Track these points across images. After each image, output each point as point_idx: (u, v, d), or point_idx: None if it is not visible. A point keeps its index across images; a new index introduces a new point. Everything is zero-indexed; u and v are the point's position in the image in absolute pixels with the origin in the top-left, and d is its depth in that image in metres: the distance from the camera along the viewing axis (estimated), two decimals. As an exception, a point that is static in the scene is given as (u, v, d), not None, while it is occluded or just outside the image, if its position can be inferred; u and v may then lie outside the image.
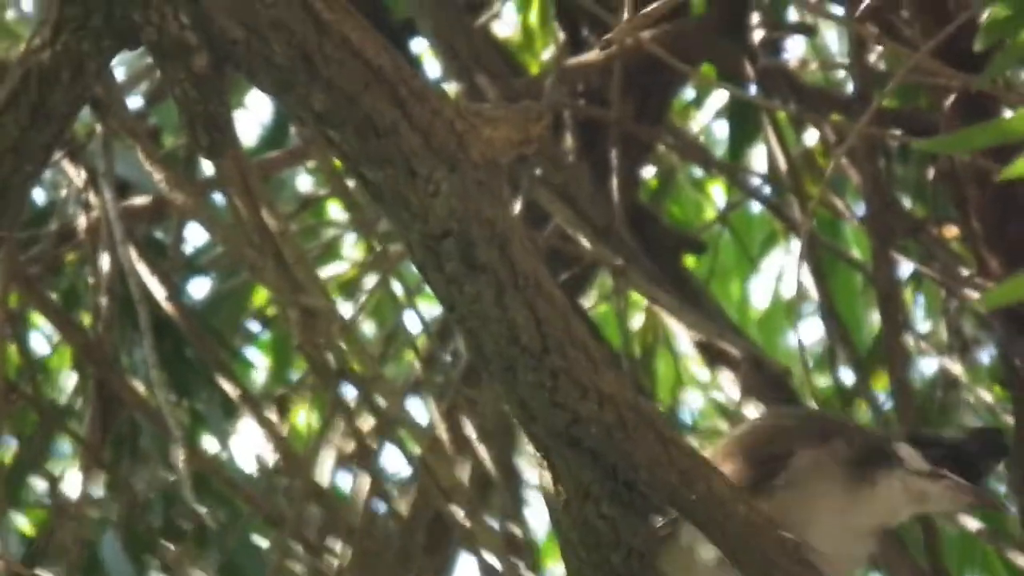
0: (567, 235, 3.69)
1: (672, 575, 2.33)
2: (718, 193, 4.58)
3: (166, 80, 2.19)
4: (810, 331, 4.25)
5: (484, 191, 2.17)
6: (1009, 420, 3.99)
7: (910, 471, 2.38)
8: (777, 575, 2.25)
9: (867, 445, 2.39)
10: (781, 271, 4.54)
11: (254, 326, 4.33)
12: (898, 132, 3.84)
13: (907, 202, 4.13)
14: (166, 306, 3.48)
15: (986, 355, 4.29)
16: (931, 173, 4.04)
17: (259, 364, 4.51)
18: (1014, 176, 3.39)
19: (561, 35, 4.08)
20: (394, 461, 5.02)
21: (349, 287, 4.21)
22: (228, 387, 3.55)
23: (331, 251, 4.45)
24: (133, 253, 3.49)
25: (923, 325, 4.39)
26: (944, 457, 2.39)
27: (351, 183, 3.57)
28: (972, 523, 3.95)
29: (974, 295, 3.81)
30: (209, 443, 3.78)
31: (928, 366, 4.30)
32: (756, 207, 4.42)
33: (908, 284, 4.23)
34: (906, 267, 4.02)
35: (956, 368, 4.21)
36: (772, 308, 4.57)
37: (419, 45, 4.23)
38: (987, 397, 4.16)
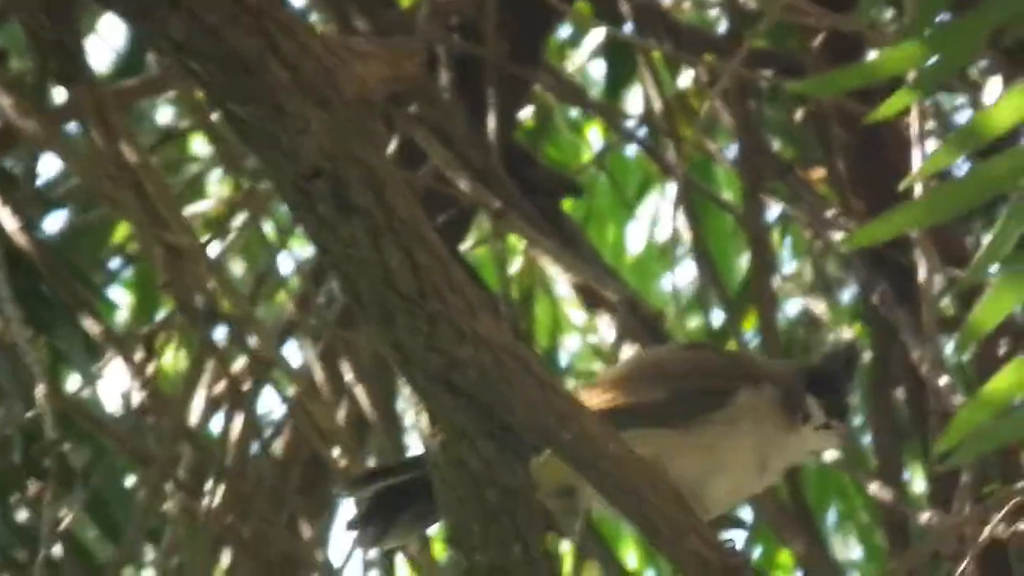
0: (444, 176, 3.68)
1: (549, 476, 2.35)
2: (595, 136, 4.58)
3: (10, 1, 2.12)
4: (683, 274, 4.28)
5: (356, 130, 2.14)
6: (867, 356, 4.06)
7: (816, 424, 2.44)
8: (647, 510, 2.28)
9: (790, 393, 2.43)
10: (656, 215, 4.57)
11: (116, 262, 4.27)
12: (768, 73, 3.87)
13: (776, 144, 4.16)
14: (19, 239, 3.38)
15: (848, 295, 4.36)
16: (799, 115, 4.08)
17: (123, 303, 4.45)
18: (879, 118, 3.44)
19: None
20: (268, 403, 5.00)
21: (216, 225, 4.14)
22: (90, 325, 3.50)
23: (196, 187, 4.37)
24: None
25: (790, 266, 4.44)
26: (814, 383, 2.45)
27: (216, 116, 3.52)
28: (829, 454, 4.02)
29: (839, 236, 3.86)
30: (74, 383, 3.73)
31: (793, 306, 4.36)
32: (632, 150, 4.44)
33: (776, 226, 4.28)
34: (775, 209, 4.06)
35: (819, 308, 4.26)
36: (647, 251, 4.59)
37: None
38: (848, 335, 4.22)
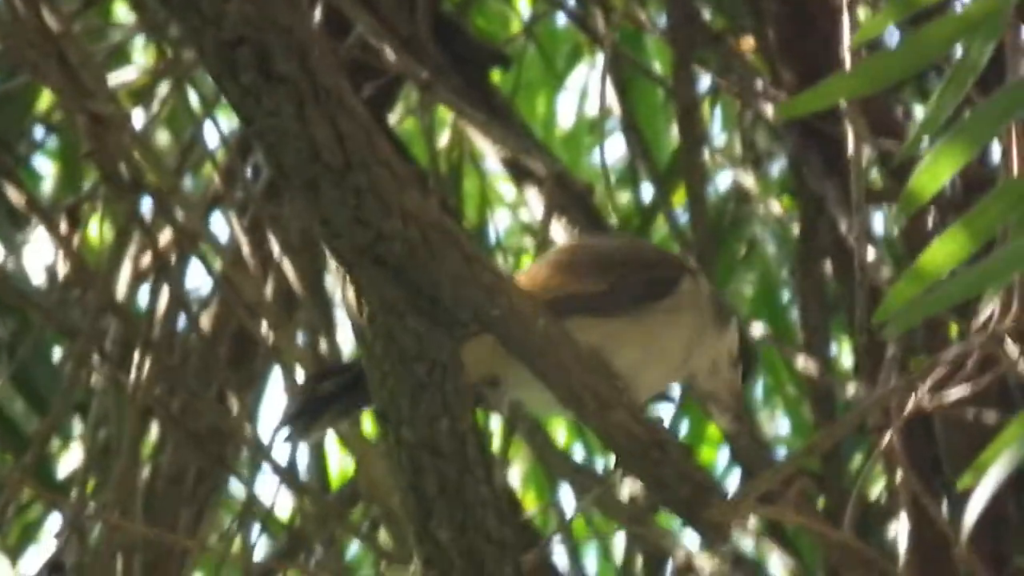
0: (370, 46, 3.64)
1: (474, 366, 2.35)
2: (524, 6, 4.54)
3: None
4: (613, 148, 4.26)
5: (280, -3, 2.11)
6: (795, 229, 4.07)
7: (730, 342, 2.44)
8: (572, 383, 2.29)
9: (719, 297, 2.46)
10: (585, 87, 4.54)
11: (38, 132, 4.21)
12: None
13: (707, 13, 4.14)
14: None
15: (777, 167, 4.36)
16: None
17: (47, 172, 4.40)
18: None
19: None
20: (195, 276, 4.97)
21: (141, 95, 4.09)
22: (14, 195, 3.46)
23: (119, 55, 4.31)
24: None
25: (719, 138, 4.43)
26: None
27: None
28: (757, 329, 4.04)
29: (769, 107, 3.85)
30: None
31: (723, 179, 4.36)
32: (562, 19, 4.40)
33: (706, 97, 4.26)
34: (705, 81, 4.05)
35: (749, 180, 4.27)
36: (576, 125, 4.57)
37: None
38: (776, 208, 4.24)
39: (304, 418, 2.39)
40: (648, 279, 2.41)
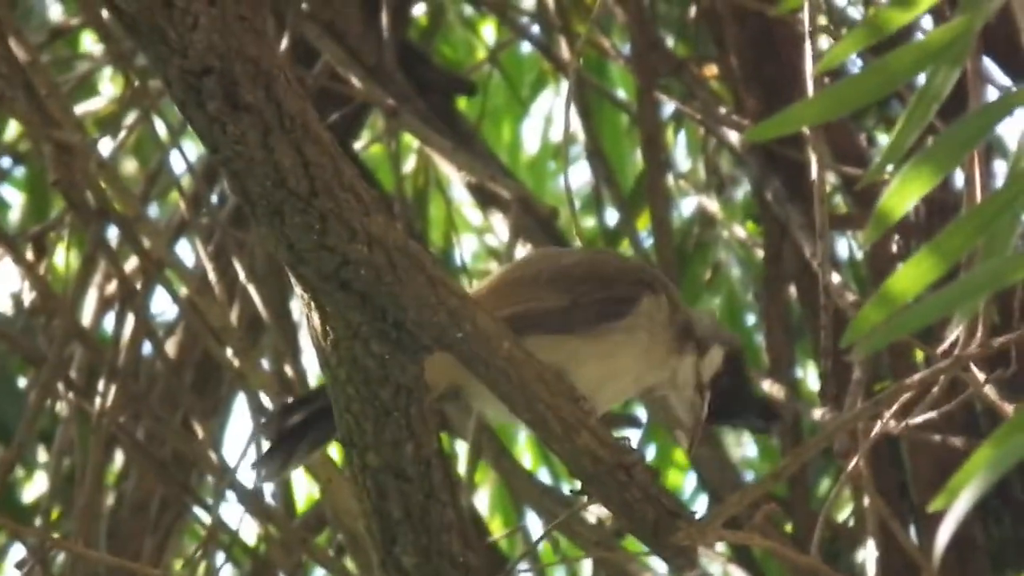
0: (337, 74, 3.64)
1: (436, 379, 2.35)
2: (489, 33, 4.55)
3: None
4: (578, 173, 4.27)
5: (246, 26, 2.12)
6: (760, 254, 4.08)
7: (701, 368, 2.43)
8: (537, 405, 2.29)
9: (684, 321, 2.43)
10: (550, 113, 4.55)
11: (6, 161, 4.21)
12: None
13: (670, 41, 4.16)
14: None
15: (741, 192, 4.37)
16: (693, 11, 4.08)
17: (14, 202, 4.40)
18: (772, 15, 3.44)
19: None
20: (161, 303, 4.96)
21: (108, 123, 4.09)
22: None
23: (87, 85, 4.31)
24: None
25: (684, 164, 4.45)
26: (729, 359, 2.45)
27: (106, 13, 3.46)
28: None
29: (732, 133, 3.87)
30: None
31: (687, 204, 4.38)
32: (526, 47, 4.41)
33: (670, 123, 4.28)
34: (669, 107, 4.06)
35: (713, 205, 4.28)
36: (542, 151, 4.57)
37: None
38: (741, 233, 4.25)
39: (277, 456, 2.38)
40: (607, 297, 2.41)
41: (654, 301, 2.42)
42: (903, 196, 1.90)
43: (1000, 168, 3.77)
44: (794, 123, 1.99)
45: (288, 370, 3.65)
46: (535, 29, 4.19)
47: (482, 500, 4.42)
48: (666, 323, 2.43)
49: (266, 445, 2.40)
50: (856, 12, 3.79)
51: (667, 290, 2.46)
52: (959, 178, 2.50)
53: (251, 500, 3.32)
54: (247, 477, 3.29)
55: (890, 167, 1.98)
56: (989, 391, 2.50)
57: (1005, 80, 3.55)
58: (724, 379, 2.46)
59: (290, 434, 2.38)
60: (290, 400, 2.55)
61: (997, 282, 1.82)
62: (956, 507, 1.68)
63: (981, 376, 2.44)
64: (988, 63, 3.52)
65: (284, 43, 3.64)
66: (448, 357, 2.30)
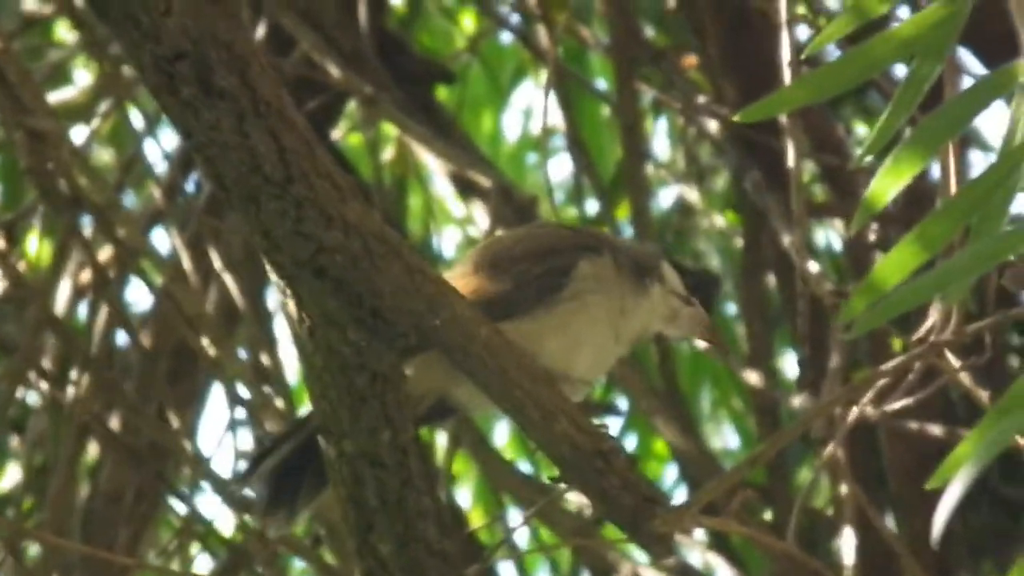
0: (314, 63, 3.62)
1: (418, 390, 2.34)
2: (468, 22, 4.53)
3: None
4: (559, 164, 4.27)
5: (220, 12, 2.10)
6: (739, 243, 4.09)
7: (670, 289, 2.44)
8: (516, 392, 2.28)
9: (638, 256, 2.43)
10: (530, 104, 4.54)
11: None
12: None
13: (649, 30, 4.15)
14: None
15: (720, 181, 4.37)
16: (671, 1, 4.07)
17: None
18: (750, 4, 3.44)
19: None
20: (136, 292, 4.95)
21: (82, 112, 4.06)
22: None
23: (60, 74, 4.29)
24: None
25: (663, 153, 4.45)
26: (676, 265, 2.47)
27: (79, 1, 3.45)
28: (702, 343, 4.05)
29: (711, 123, 3.87)
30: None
31: (667, 194, 4.38)
32: (506, 37, 4.40)
33: (649, 113, 4.28)
34: (648, 96, 4.06)
35: (692, 195, 4.28)
36: (522, 141, 4.56)
37: None
38: (720, 222, 4.25)
39: (282, 507, 2.37)
40: (544, 271, 2.40)
41: (595, 262, 2.41)
42: (888, 184, 1.91)
43: (975, 158, 3.78)
44: (778, 107, 2.00)
45: (264, 359, 3.63)
46: (515, 18, 4.18)
47: (464, 495, 4.41)
48: (615, 277, 2.42)
49: (261, 489, 2.37)
50: (833, 1, 3.79)
51: (609, 245, 2.45)
52: (935, 168, 2.50)
53: (226, 490, 3.31)
54: (222, 467, 3.28)
55: (869, 157, 1.99)
56: (964, 378, 2.50)
57: (980, 69, 3.55)
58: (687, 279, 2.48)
59: (286, 475, 2.37)
60: (267, 442, 2.54)
61: (992, 259, 1.83)
62: (947, 496, 1.68)
63: (956, 363, 2.44)
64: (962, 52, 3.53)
65: (261, 31, 3.62)
66: (428, 368, 2.29)
